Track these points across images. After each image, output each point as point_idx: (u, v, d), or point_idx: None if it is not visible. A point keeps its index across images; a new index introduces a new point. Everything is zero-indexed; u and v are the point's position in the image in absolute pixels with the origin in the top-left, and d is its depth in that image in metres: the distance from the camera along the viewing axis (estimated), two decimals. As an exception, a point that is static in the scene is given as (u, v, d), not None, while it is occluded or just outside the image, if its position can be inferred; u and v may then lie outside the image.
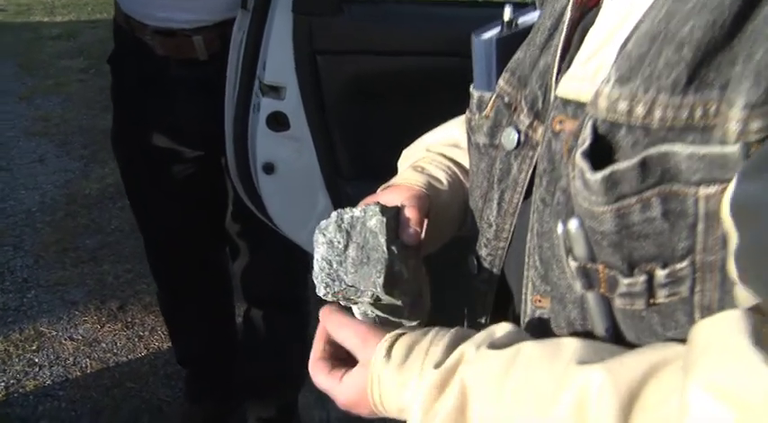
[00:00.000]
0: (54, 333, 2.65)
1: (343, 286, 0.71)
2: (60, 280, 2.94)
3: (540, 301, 0.66)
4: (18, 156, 3.99)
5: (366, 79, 1.40)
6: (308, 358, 2.12)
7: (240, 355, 2.16)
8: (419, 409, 0.59)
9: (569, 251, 0.56)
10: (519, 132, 0.69)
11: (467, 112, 0.79)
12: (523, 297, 0.68)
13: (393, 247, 0.72)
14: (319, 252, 0.73)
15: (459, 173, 0.86)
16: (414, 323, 0.76)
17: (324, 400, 2.45)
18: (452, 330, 0.64)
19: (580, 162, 0.51)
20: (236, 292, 2.13)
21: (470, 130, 0.77)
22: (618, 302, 0.54)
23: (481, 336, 0.61)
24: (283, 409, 2.17)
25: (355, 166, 1.44)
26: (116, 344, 2.61)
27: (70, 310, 2.77)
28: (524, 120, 0.68)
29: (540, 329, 0.64)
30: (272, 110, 1.35)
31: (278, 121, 1.37)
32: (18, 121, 4.43)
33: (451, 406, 0.57)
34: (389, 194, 0.79)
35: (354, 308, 0.76)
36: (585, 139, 0.52)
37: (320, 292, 0.72)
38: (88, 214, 3.42)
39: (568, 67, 0.62)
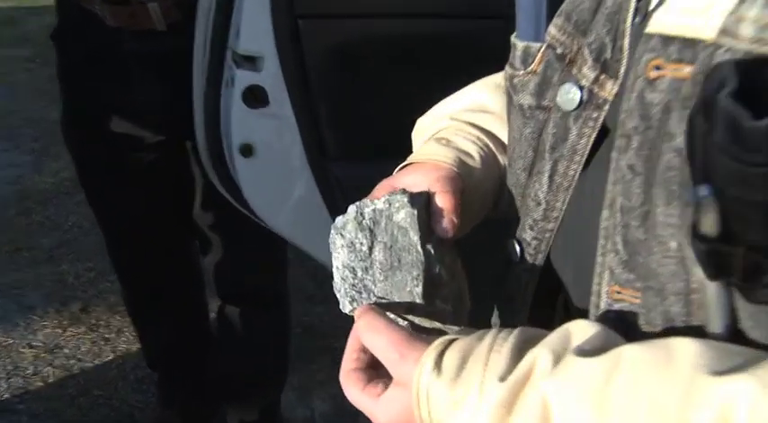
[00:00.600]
0: (11, 341, 2.48)
1: (373, 299, 0.60)
2: (15, 283, 2.77)
3: (619, 292, 0.55)
4: (-38, 151, 3.75)
5: (354, 46, 1.26)
6: (289, 356, 1.95)
7: (216, 356, 2.02)
8: None
9: (693, 228, 0.43)
10: (581, 89, 0.58)
11: (506, 69, 0.68)
12: (595, 288, 0.57)
13: (429, 246, 0.60)
14: (339, 258, 0.61)
15: (491, 144, 0.74)
16: (455, 328, 0.63)
17: (306, 398, 2.37)
18: (515, 332, 0.52)
19: (730, 107, 0.39)
20: (207, 288, 1.99)
21: (512, 89, 0.66)
22: (758, 294, 0.44)
23: (555, 338, 0.49)
24: (265, 410, 2.05)
25: (343, 146, 1.31)
26: (80, 349, 2.45)
27: (27, 314, 2.60)
28: (588, 73, 0.58)
29: (619, 328, 0.52)
30: (248, 84, 1.20)
31: (255, 97, 1.22)
32: (-40, 114, 4.18)
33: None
34: (412, 175, 0.67)
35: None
36: (726, 79, 0.40)
37: (345, 308, 0.61)
38: (43, 211, 3.24)
39: None
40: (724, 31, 0.44)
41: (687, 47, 0.47)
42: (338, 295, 0.61)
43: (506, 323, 0.75)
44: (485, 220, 0.78)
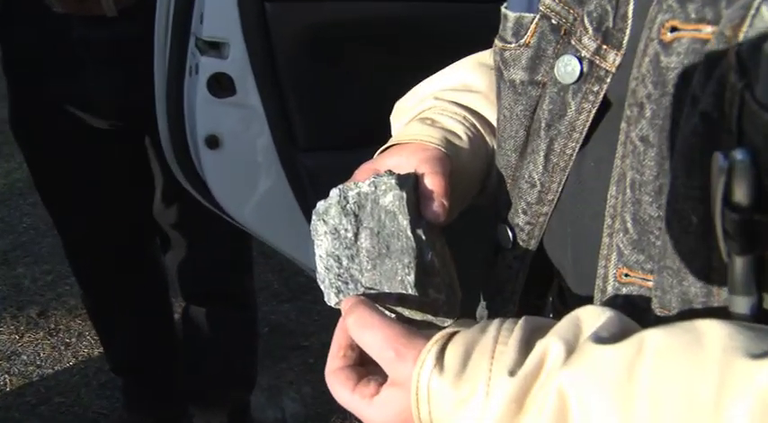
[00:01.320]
0: (-35, 348, 2.36)
1: (361, 290, 0.55)
2: (-31, 288, 2.64)
3: (627, 275, 0.52)
4: None
5: (325, 30, 1.20)
6: (257, 356, 1.87)
7: (182, 358, 1.95)
8: None
9: (724, 198, 0.40)
10: (581, 61, 0.55)
11: (496, 42, 0.64)
12: (601, 271, 0.54)
13: (419, 231, 0.56)
14: (322, 246, 0.57)
15: (478, 124, 0.70)
16: (448, 321, 0.60)
17: (276, 398, 2.31)
18: (520, 321, 0.48)
19: None
20: (171, 288, 1.92)
21: (502, 64, 0.62)
22: None
23: (565, 326, 0.45)
24: (234, 412, 2.00)
25: (314, 136, 1.25)
26: (39, 355, 2.36)
27: (-18, 320, 2.49)
28: (588, 44, 0.54)
29: (629, 314, 0.48)
30: (213, 71, 1.14)
31: (221, 85, 1.16)
32: None
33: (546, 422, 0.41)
34: (395, 157, 0.63)
35: None
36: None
37: (331, 300, 0.56)
38: (-5, 213, 3.11)
39: None
40: None
41: (708, 5, 0.44)
42: (322, 286, 0.57)
43: (495, 314, 0.71)
44: (470, 205, 0.75)
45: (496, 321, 0.49)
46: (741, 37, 0.40)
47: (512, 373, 0.44)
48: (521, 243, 0.64)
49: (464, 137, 0.67)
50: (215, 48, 1.14)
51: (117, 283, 1.82)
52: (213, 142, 1.20)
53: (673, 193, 0.46)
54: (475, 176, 0.69)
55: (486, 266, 0.72)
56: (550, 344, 0.44)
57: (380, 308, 0.57)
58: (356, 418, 0.53)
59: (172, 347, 1.97)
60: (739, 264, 0.41)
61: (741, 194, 0.39)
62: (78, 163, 1.55)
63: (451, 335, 0.49)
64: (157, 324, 1.97)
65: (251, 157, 1.25)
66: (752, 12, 0.40)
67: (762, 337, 0.38)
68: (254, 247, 2.20)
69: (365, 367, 0.53)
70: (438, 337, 0.49)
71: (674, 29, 0.46)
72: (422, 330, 0.52)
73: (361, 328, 0.51)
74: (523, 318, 0.49)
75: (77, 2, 1.36)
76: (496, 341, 0.46)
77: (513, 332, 0.47)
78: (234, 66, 1.14)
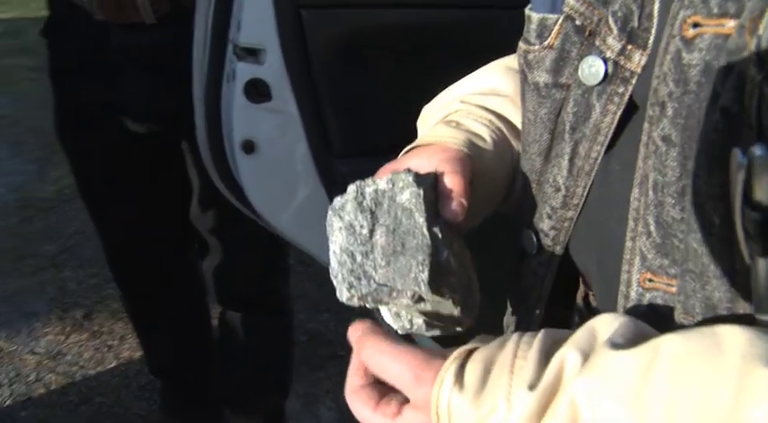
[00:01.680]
0: (13, 347, 2.45)
1: (374, 286, 0.54)
2: (18, 290, 2.73)
3: (651, 280, 0.50)
4: (-34, 159, 3.74)
5: (360, 38, 1.21)
6: (292, 363, 1.86)
7: (218, 363, 1.96)
8: None
9: (744, 196, 0.39)
10: (605, 61, 0.54)
11: (520, 44, 0.63)
12: (624, 277, 0.52)
13: (435, 229, 0.55)
14: (337, 241, 0.56)
15: (504, 128, 0.70)
16: (466, 322, 0.59)
17: (312, 406, 2.32)
18: (539, 335, 0.47)
19: None
20: (209, 293, 1.92)
21: (526, 67, 0.61)
22: None
23: (581, 336, 0.45)
24: (269, 419, 2.00)
25: (349, 142, 1.26)
26: (82, 356, 2.41)
27: (30, 321, 2.57)
28: (613, 44, 0.53)
29: (652, 321, 0.47)
30: (249, 77, 1.16)
31: (258, 91, 1.18)
32: (-35, 123, 4.17)
33: None
34: (417, 158, 0.62)
35: (383, 308, 0.59)
36: None
37: (342, 296, 0.55)
38: (45, 218, 3.21)
39: None
40: None
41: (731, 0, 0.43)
42: (335, 281, 0.56)
43: (521, 322, 0.70)
44: (495, 212, 0.74)
45: (515, 335, 0.48)
46: (761, 29, 0.39)
47: (531, 387, 0.43)
48: (546, 248, 0.63)
49: (489, 140, 0.67)
50: (252, 54, 1.15)
51: (155, 288, 1.85)
52: (249, 147, 1.21)
53: (694, 193, 0.44)
54: (500, 181, 0.68)
55: (512, 273, 0.70)
56: (567, 355, 0.43)
57: (392, 311, 0.57)
58: None
59: (208, 352, 1.98)
60: (763, 266, 0.40)
61: (762, 192, 0.38)
62: (118, 168, 1.58)
63: (470, 352, 0.49)
64: (194, 329, 1.98)
65: (287, 163, 1.26)
66: None
67: None
68: (293, 255, 2.22)
69: (385, 385, 0.52)
70: (456, 354, 0.49)
71: (696, 25, 0.45)
72: (438, 350, 0.51)
73: (376, 357, 0.51)
74: (543, 331, 0.48)
75: (117, 9, 1.39)
76: (515, 355, 0.46)
77: (531, 346, 0.46)
78: (270, 71, 1.16)
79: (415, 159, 0.62)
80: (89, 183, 1.66)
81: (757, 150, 0.37)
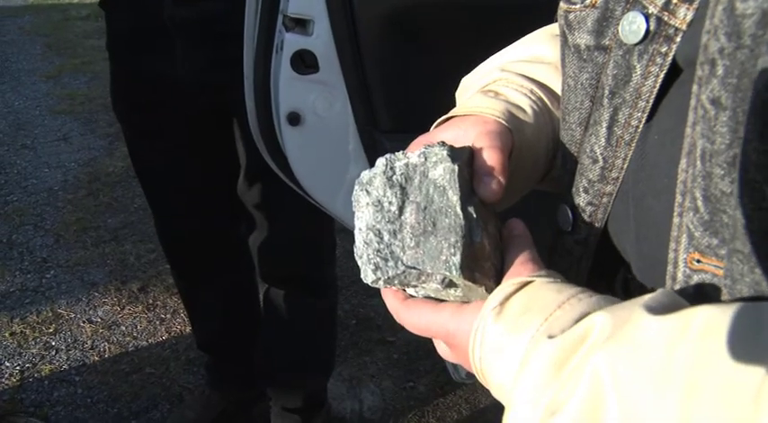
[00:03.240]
0: (72, 315, 2.52)
1: (401, 268, 0.50)
2: (80, 260, 2.82)
3: (699, 261, 0.45)
4: (42, 134, 3.88)
5: (410, 11, 1.18)
6: (334, 344, 1.85)
7: (260, 340, 1.96)
8: (531, 398, 0.41)
9: None
10: (647, 18, 0.48)
11: (561, 4, 0.58)
12: (671, 256, 0.47)
13: (470, 209, 0.51)
14: (363, 219, 0.53)
15: (546, 98, 0.65)
16: None
17: (356, 389, 2.31)
18: (596, 296, 0.45)
19: None
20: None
21: (567, 28, 0.56)
22: None
23: (624, 304, 0.42)
24: (310, 398, 1.99)
25: (396, 118, 1.23)
26: (136, 327, 2.47)
27: (90, 291, 2.65)
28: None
29: (700, 303, 0.42)
30: (297, 48, 1.15)
31: (305, 62, 1.17)
32: (44, 99, 4.33)
33: (578, 402, 0.38)
34: (452, 129, 0.58)
35: (410, 290, 0.55)
36: None
37: (368, 277, 0.52)
38: (111, 193, 3.29)
39: None
40: None
41: None
42: (359, 262, 0.52)
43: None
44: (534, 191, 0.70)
45: (577, 289, 0.46)
46: None
47: (551, 336, 0.41)
48: (582, 226, 0.58)
49: (529, 111, 0.62)
50: (300, 24, 1.14)
51: (203, 263, 1.87)
52: (294, 119, 1.20)
53: (744, 162, 0.39)
54: (540, 156, 0.64)
55: (548, 253, 0.65)
56: (597, 316, 0.40)
57: (420, 292, 0.55)
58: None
59: (255, 329, 1.98)
60: None
61: None
62: (164, 138, 1.60)
63: (527, 283, 0.48)
64: (241, 305, 2.00)
65: (332, 136, 1.24)
66: None
67: None
68: (345, 238, 2.21)
69: None
70: (513, 281, 0.49)
71: None
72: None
73: (417, 311, 0.52)
74: (603, 296, 0.45)
75: None
76: (561, 303, 0.44)
77: (583, 301, 0.44)
78: (318, 43, 1.14)
79: (452, 131, 0.58)
80: (140, 153, 1.69)
81: None
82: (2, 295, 2.61)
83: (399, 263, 0.51)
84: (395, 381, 2.24)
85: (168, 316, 2.52)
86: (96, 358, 2.33)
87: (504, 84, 0.65)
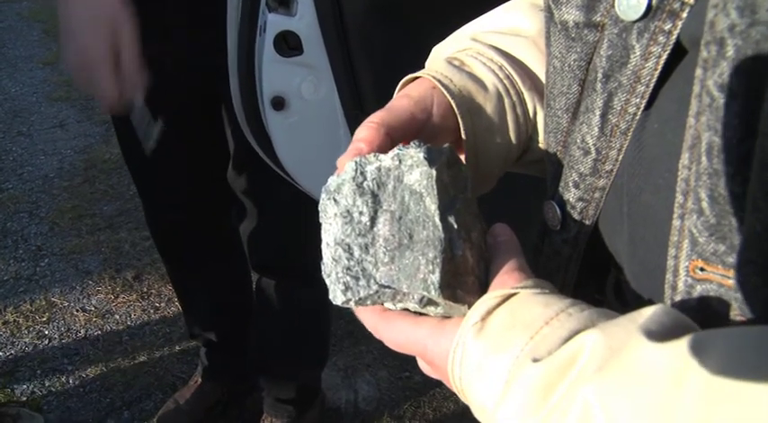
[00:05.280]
0: (66, 304, 2.50)
1: (374, 288, 0.45)
2: (75, 248, 2.79)
3: (703, 269, 0.40)
4: (39, 121, 3.84)
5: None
6: (326, 334, 1.81)
7: (252, 330, 1.94)
8: (508, 418, 0.37)
9: None
10: None
11: None
12: (671, 263, 0.42)
13: (450, 219, 0.45)
14: (331, 232, 0.47)
15: (516, 76, 0.59)
16: None
17: (351, 379, 2.29)
18: (590, 310, 0.40)
19: None
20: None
21: (552, 1, 0.51)
22: None
23: (620, 320, 0.38)
24: (304, 389, 1.97)
25: (383, 101, 1.19)
26: (130, 316, 2.45)
27: (84, 279, 2.62)
28: None
29: (702, 319, 0.38)
30: (280, 29, 1.10)
31: (288, 44, 1.12)
32: (41, 86, 4.29)
33: None
34: (401, 99, 0.57)
35: (388, 304, 0.49)
36: None
37: (336, 299, 0.47)
38: (107, 180, 3.26)
39: None
40: None
41: None
42: (327, 281, 0.47)
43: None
44: (512, 180, 0.66)
45: (566, 302, 0.41)
46: None
47: (537, 360, 0.37)
48: (571, 224, 0.53)
49: (492, 89, 0.57)
50: (283, 4, 1.10)
51: (194, 252, 1.83)
52: (279, 103, 1.16)
53: (760, 159, 0.34)
54: (506, 138, 0.59)
55: (533, 254, 0.60)
56: (588, 336, 0.36)
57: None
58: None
59: (248, 320, 1.95)
60: None
61: None
62: (157, 127, 1.56)
63: (511, 295, 0.43)
64: (233, 295, 1.97)
65: (317, 120, 1.20)
66: None
67: None
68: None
69: None
70: (496, 294, 0.44)
71: None
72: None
73: (396, 326, 0.48)
74: (596, 309, 0.40)
75: None
76: (550, 319, 0.39)
77: (575, 316, 0.39)
78: (302, 24, 1.10)
79: (402, 101, 0.56)
80: (126, 135, 1.65)
81: None
82: (-5, 284, 2.59)
83: (372, 281, 0.46)
84: (390, 371, 2.22)
85: (162, 305, 2.49)
86: (89, 347, 2.31)
87: (473, 54, 0.60)
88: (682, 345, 0.32)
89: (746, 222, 0.36)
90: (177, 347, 2.31)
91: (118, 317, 2.44)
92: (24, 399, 2.11)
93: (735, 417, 0.28)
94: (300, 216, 1.61)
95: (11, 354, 2.28)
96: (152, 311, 2.46)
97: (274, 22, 1.10)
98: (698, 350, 0.31)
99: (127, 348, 2.31)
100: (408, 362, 2.24)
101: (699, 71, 0.39)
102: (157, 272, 2.62)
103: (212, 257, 1.85)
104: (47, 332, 2.37)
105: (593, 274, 0.57)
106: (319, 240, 0.48)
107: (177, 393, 2.07)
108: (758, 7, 0.35)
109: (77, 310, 2.46)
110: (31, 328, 2.38)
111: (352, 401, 2.14)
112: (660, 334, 0.34)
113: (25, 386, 2.15)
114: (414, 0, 1.12)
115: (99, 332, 2.37)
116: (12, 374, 2.19)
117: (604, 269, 0.57)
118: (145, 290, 2.56)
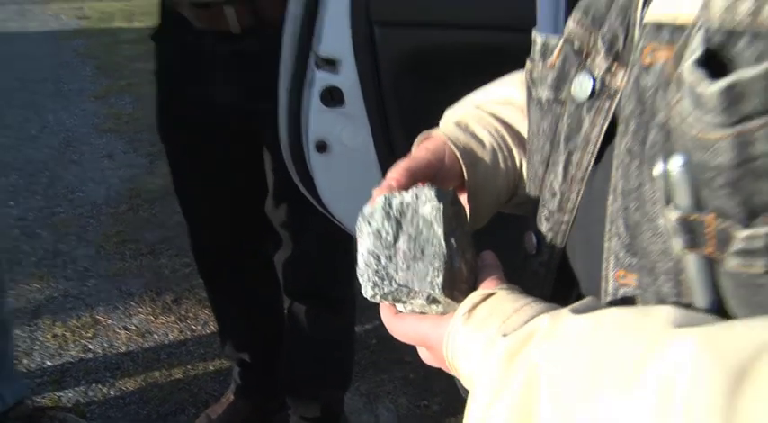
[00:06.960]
0: (109, 322, 2.67)
1: (395, 286, 0.62)
2: (119, 271, 2.98)
3: (624, 276, 0.55)
4: (89, 151, 4.09)
5: (426, 54, 1.32)
6: (350, 358, 2.00)
7: (283, 351, 2.09)
8: (487, 384, 0.51)
9: (669, 200, 0.45)
10: (594, 79, 0.59)
11: (527, 62, 0.69)
12: (603, 273, 0.57)
13: (452, 240, 0.63)
14: (365, 244, 0.64)
15: (508, 137, 0.77)
16: None
17: (372, 405, 2.42)
18: (549, 305, 0.56)
19: (690, 74, 0.41)
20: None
21: (531, 83, 0.68)
22: (730, 264, 0.42)
23: (563, 309, 0.53)
24: (327, 409, 2.10)
25: (409, 149, 1.36)
26: (168, 336, 2.61)
27: (126, 300, 2.80)
28: (601, 63, 0.59)
29: None
30: (326, 84, 1.29)
31: (332, 97, 1.31)
32: (91, 118, 4.56)
33: (518, 385, 0.48)
34: (420, 151, 0.73)
35: (400, 306, 0.67)
36: (695, 50, 0.42)
37: (367, 293, 0.64)
38: (150, 209, 3.46)
39: None
40: (701, 9, 0.43)
41: (677, 31, 0.47)
42: (361, 280, 0.63)
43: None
44: (503, 216, 0.82)
45: (530, 299, 0.57)
46: (686, 54, 0.43)
47: (505, 334, 0.52)
48: (545, 249, 0.68)
49: (488, 146, 0.73)
50: (330, 64, 1.29)
51: (232, 278, 2.01)
52: (322, 147, 1.34)
53: (643, 199, 0.50)
54: (499, 185, 0.75)
55: (516, 274, 0.75)
56: (541, 318, 0.51)
57: (408, 307, 0.67)
58: None
59: (278, 342, 2.10)
60: (692, 262, 0.45)
61: (680, 195, 0.43)
62: (201, 157, 1.75)
63: (491, 294, 0.59)
64: (266, 319, 2.13)
65: (355, 162, 1.38)
66: (692, 31, 0.44)
67: (702, 320, 0.43)
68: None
69: None
70: (479, 292, 0.59)
71: (653, 50, 0.50)
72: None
73: (404, 322, 0.63)
74: (550, 304, 0.56)
75: (209, 19, 1.56)
76: (517, 310, 0.54)
77: (534, 308, 0.54)
78: (345, 80, 1.28)
79: (422, 152, 0.72)
80: (179, 172, 1.85)
81: (673, 162, 0.43)
82: (46, 300, 2.79)
83: (393, 281, 0.61)
84: (410, 399, 2.34)
85: (199, 327, 2.66)
86: (130, 363, 2.48)
87: (476, 119, 0.78)
88: (589, 315, 0.48)
89: (639, 239, 0.51)
90: (211, 367, 2.47)
91: (157, 336, 2.61)
92: (70, 405, 2.27)
93: (612, 353, 0.43)
94: (331, 248, 1.79)
95: (58, 364, 2.45)
96: (189, 333, 2.63)
97: (321, 79, 1.29)
98: (598, 319, 0.46)
99: (164, 365, 2.47)
100: (427, 391, 2.37)
101: (617, 139, 0.55)
102: (195, 297, 2.80)
103: (248, 283, 2.02)
104: (91, 347, 2.55)
105: (563, 288, 0.71)
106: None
107: (209, 409, 2.22)
108: (645, 102, 0.50)
109: (120, 328, 2.64)
110: (77, 342, 2.56)
111: (372, 424, 2.27)
112: (581, 311, 0.50)
113: (71, 394, 2.32)
114: (439, 64, 1.30)
115: (139, 349, 2.54)
116: (59, 383, 2.37)
117: (572, 283, 0.71)
118: (183, 313, 2.73)
